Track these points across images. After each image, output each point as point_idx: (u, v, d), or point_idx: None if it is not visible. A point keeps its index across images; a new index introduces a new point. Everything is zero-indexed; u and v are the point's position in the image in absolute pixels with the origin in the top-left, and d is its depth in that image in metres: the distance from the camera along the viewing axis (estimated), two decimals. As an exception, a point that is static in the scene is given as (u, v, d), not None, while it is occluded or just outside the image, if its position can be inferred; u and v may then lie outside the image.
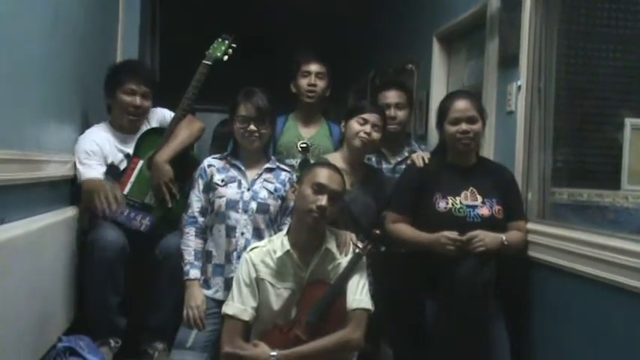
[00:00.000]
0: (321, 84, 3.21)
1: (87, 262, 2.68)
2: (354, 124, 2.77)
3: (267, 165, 2.77)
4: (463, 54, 3.92)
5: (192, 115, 3.05)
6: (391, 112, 3.12)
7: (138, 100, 2.91)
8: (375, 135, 2.79)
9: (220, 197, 2.68)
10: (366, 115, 2.78)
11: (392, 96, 3.17)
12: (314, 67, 3.21)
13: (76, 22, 2.75)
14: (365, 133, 2.75)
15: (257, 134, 2.70)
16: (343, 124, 2.87)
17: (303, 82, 3.20)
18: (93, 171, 2.78)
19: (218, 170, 2.74)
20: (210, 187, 2.72)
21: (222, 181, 2.71)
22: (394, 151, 3.21)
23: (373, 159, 3.18)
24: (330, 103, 3.44)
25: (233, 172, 2.74)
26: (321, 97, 3.23)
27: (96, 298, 2.70)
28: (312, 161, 3.06)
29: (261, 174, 2.74)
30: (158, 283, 2.79)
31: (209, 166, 2.76)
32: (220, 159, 2.79)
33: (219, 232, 2.67)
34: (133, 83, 2.89)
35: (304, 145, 3.11)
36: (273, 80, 3.26)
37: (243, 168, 2.75)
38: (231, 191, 2.69)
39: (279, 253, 2.45)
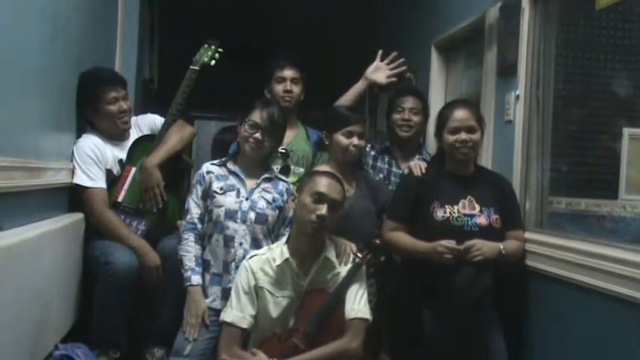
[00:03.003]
0: (296, 89, 3.20)
1: (99, 284, 2.70)
2: (342, 139, 2.76)
3: (266, 175, 2.76)
4: (461, 63, 3.93)
5: (182, 120, 3.05)
6: (405, 114, 3.18)
7: (123, 104, 2.91)
8: (363, 142, 2.82)
9: (219, 207, 2.66)
10: (351, 128, 2.76)
11: (408, 101, 3.21)
12: (288, 73, 3.20)
13: (74, 31, 2.75)
14: (354, 146, 2.76)
15: (261, 144, 2.69)
16: (325, 134, 2.86)
17: (279, 88, 3.19)
18: (98, 181, 2.81)
19: (217, 177, 2.72)
20: (208, 194, 2.70)
21: (221, 189, 2.69)
22: (406, 157, 3.22)
23: (386, 159, 3.23)
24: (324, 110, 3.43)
25: (232, 180, 2.72)
26: (297, 101, 3.23)
27: (105, 319, 2.72)
28: (292, 167, 3.08)
29: (259, 183, 2.73)
30: (157, 287, 2.79)
31: (208, 172, 2.74)
32: (219, 165, 2.77)
33: (217, 241, 2.66)
34: (113, 91, 2.88)
35: (283, 151, 3.08)
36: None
37: (242, 176, 2.74)
38: (229, 200, 2.67)
39: (278, 262, 2.45)
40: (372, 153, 3.25)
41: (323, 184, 2.44)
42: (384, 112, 5.18)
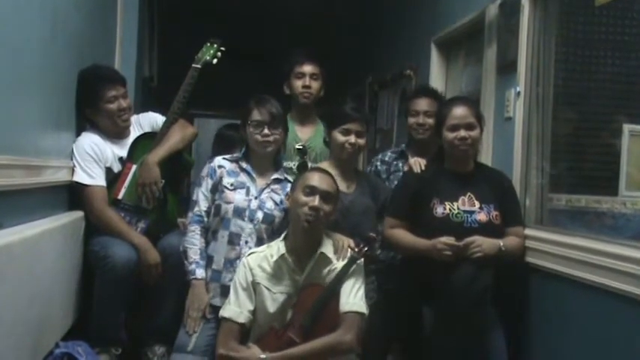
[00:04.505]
0: (315, 85, 3.19)
1: (98, 279, 2.70)
2: (338, 136, 2.74)
3: (276, 175, 2.75)
4: (461, 60, 3.93)
5: (183, 118, 3.05)
6: (419, 119, 3.11)
7: (122, 102, 2.90)
8: (361, 141, 2.76)
9: (228, 203, 2.66)
10: (347, 125, 2.73)
11: (422, 104, 3.13)
12: (308, 68, 3.18)
13: (74, 29, 2.75)
14: (349, 144, 2.73)
15: (271, 138, 2.69)
16: (326, 131, 2.86)
17: (298, 84, 3.18)
18: (98, 179, 2.80)
19: (228, 173, 2.72)
20: (217, 188, 2.70)
21: (232, 185, 2.68)
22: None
23: (400, 164, 3.18)
24: (327, 107, 3.42)
25: (243, 178, 2.72)
26: (316, 97, 3.21)
27: (104, 315, 2.72)
28: (309, 163, 3.06)
29: (269, 184, 2.72)
30: (158, 284, 2.79)
31: (219, 166, 2.73)
32: (231, 161, 2.76)
33: (223, 238, 2.66)
34: (112, 90, 2.86)
35: (301, 147, 3.07)
36: (278, 91, 3.23)
37: (253, 175, 2.73)
38: (239, 197, 2.67)
39: (275, 257, 2.47)
40: (384, 167, 3.22)
41: (313, 179, 2.46)
42: (384, 111, 5.23)
